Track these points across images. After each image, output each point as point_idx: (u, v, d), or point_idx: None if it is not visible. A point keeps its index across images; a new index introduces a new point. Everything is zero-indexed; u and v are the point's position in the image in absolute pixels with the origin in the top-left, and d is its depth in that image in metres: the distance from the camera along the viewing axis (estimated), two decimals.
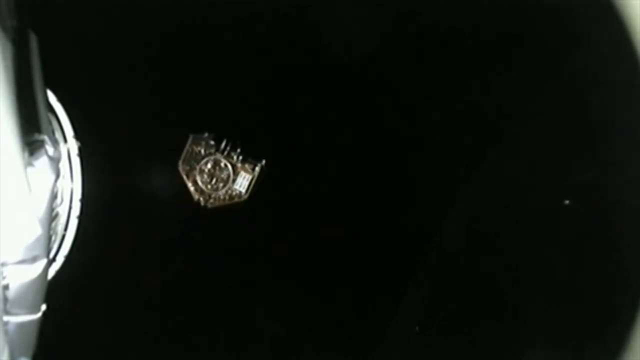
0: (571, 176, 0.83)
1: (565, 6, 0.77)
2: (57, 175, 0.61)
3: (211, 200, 0.90)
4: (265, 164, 0.91)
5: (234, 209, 0.90)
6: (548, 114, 0.86)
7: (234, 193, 0.90)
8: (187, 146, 0.89)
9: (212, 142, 0.90)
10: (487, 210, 0.93)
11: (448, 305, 0.94)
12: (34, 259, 0.56)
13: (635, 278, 0.74)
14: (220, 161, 0.90)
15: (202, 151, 0.90)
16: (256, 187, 0.90)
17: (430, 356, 0.93)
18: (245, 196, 0.90)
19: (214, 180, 0.90)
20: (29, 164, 0.56)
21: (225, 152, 0.90)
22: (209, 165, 0.90)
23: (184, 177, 0.90)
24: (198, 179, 0.89)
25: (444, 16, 0.88)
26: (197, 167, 0.90)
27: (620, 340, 0.70)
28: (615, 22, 0.69)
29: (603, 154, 0.79)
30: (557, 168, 0.85)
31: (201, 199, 0.90)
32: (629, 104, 0.73)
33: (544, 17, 0.80)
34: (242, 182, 0.90)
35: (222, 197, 0.90)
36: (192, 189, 0.90)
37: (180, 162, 0.90)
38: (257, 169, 0.90)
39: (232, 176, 0.90)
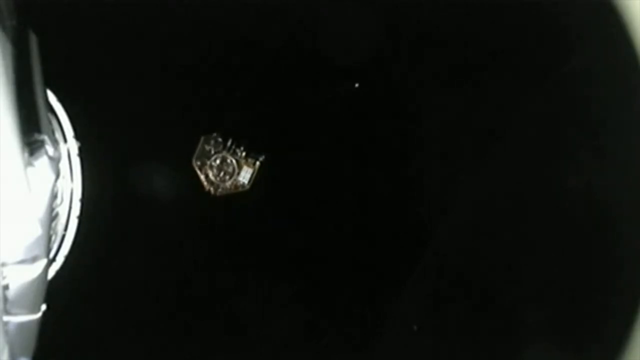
0: (570, 176, 0.83)
1: (565, 6, 0.77)
2: (57, 175, 0.61)
3: (220, 190, 1.03)
4: (265, 159, 1.02)
5: (238, 197, 1.03)
6: (547, 113, 0.86)
7: (238, 184, 1.03)
8: (200, 145, 1.02)
9: (220, 140, 1.02)
10: (486, 209, 0.94)
11: (447, 305, 0.95)
12: (34, 259, 0.55)
13: (635, 278, 0.74)
14: (227, 158, 1.02)
15: (212, 150, 1.02)
16: (257, 179, 1.03)
17: (429, 356, 0.93)
18: (248, 186, 1.03)
19: (221, 174, 1.03)
20: (29, 164, 0.55)
21: (231, 150, 1.02)
22: (218, 161, 1.02)
23: (197, 171, 1.02)
24: (209, 172, 1.02)
25: (444, 15, 0.88)
26: (208, 163, 1.02)
27: (620, 340, 0.70)
28: (615, 22, 0.69)
29: (602, 153, 0.79)
30: (556, 168, 0.85)
31: (211, 189, 1.03)
32: (629, 103, 0.73)
33: (544, 16, 0.80)
34: (245, 175, 1.03)
35: (228, 187, 1.03)
36: (204, 181, 1.02)
37: (193, 159, 1.01)
38: (258, 163, 1.02)
39: (236, 170, 1.03)
